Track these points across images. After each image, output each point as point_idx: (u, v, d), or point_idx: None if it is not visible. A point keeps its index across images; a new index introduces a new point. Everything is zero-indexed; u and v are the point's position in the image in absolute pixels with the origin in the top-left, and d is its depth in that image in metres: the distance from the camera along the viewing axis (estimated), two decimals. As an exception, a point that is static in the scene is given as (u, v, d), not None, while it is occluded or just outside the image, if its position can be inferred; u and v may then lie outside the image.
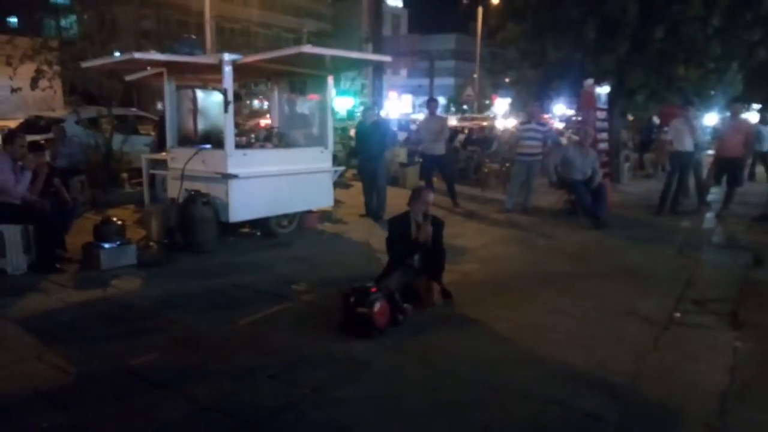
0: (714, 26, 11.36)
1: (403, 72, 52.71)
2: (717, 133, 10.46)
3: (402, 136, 16.88)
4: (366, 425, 3.08)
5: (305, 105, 8.32)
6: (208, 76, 7.73)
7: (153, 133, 11.27)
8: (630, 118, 16.31)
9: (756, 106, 24.69)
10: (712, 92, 12.99)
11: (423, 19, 62.07)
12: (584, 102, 11.95)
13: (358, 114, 20.38)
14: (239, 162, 6.76)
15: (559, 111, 30.76)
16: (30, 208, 5.82)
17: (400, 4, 60.97)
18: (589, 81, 11.64)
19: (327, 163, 7.90)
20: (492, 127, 18.60)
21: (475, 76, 37.78)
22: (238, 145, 6.91)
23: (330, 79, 7.98)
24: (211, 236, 6.63)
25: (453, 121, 20.16)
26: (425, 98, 13.66)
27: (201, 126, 7.39)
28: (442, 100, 36.16)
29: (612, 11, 11.46)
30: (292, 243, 7.16)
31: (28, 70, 10.23)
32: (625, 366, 3.79)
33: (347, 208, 9.30)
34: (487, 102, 45.99)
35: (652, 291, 5.39)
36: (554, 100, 17.66)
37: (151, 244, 6.70)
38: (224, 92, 6.65)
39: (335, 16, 51.74)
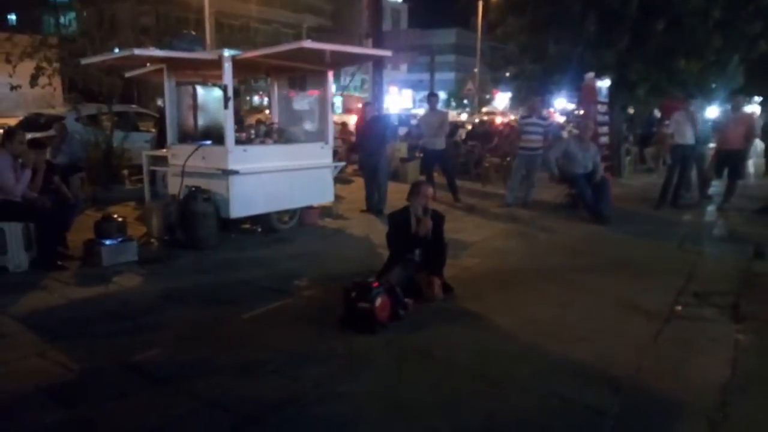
0: (715, 19, 11.33)
1: (404, 67, 52.48)
2: (718, 126, 10.43)
3: (403, 131, 16.88)
4: (368, 419, 3.09)
5: (305, 100, 8.31)
6: (208, 72, 7.73)
7: (153, 130, 11.28)
8: (630, 111, 16.25)
9: (757, 98, 24.62)
10: (713, 85, 12.95)
11: (423, 14, 61.87)
12: (585, 96, 11.95)
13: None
14: (240, 158, 6.75)
15: (560, 105, 30.72)
16: (31, 206, 5.83)
17: (400, -1, 60.84)
18: (590, 75, 11.64)
19: (327, 158, 7.90)
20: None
21: (476, 70, 37.71)
22: (238, 141, 6.91)
23: (330, 74, 7.97)
24: (211, 232, 6.64)
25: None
26: (426, 93, 13.60)
27: (201, 122, 7.38)
28: (442, 95, 36.13)
29: (612, 4, 11.41)
30: (293, 239, 7.16)
31: (27, 67, 10.21)
32: (627, 359, 3.80)
33: (348, 204, 9.30)
34: (488, 96, 45.91)
35: (653, 284, 5.39)
36: (555, 94, 17.64)
37: (152, 240, 6.73)
38: (224, 88, 6.64)
39: (335, 11, 51.57)
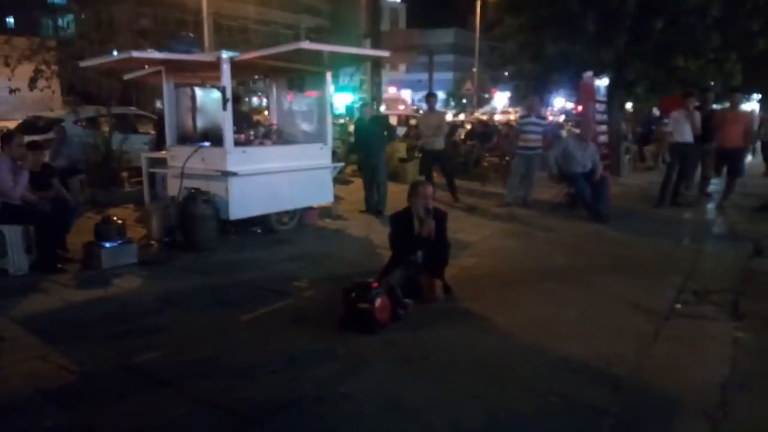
0: (713, 17, 11.34)
1: (402, 67, 52.66)
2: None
3: (401, 131, 16.87)
4: (368, 420, 3.09)
5: (304, 101, 8.31)
6: (207, 74, 7.72)
7: (152, 132, 11.27)
8: (629, 108, 16.28)
9: (756, 96, 24.64)
10: (712, 83, 12.97)
11: (421, 14, 61.76)
12: (583, 95, 11.97)
13: (356, 108, 20.35)
14: (239, 159, 6.76)
15: (559, 104, 30.74)
16: (30, 209, 5.83)
17: (398, -1, 60.83)
18: (589, 73, 11.65)
19: (326, 159, 7.90)
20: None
21: (474, 70, 37.75)
22: (237, 143, 6.91)
23: (328, 75, 7.97)
24: (211, 234, 6.64)
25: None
26: (424, 93, 13.61)
27: (200, 124, 7.38)
28: (441, 95, 36.12)
29: (610, 3, 11.42)
30: (293, 240, 7.17)
31: (26, 70, 10.23)
32: (627, 358, 3.80)
33: (347, 204, 9.30)
34: (487, 96, 45.95)
35: (652, 282, 5.40)
36: (553, 93, 17.65)
37: (152, 242, 6.72)
38: (223, 90, 6.64)
39: (333, 11, 51.56)
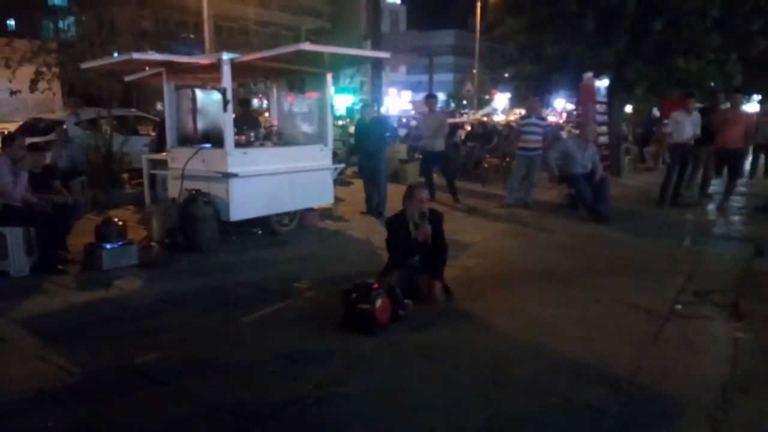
0: (713, 17, 11.34)
1: (402, 68, 52.66)
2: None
3: (402, 132, 16.90)
4: (368, 420, 3.09)
5: (304, 103, 8.32)
6: (207, 76, 7.74)
7: (153, 133, 11.29)
8: (629, 110, 16.27)
9: (756, 96, 24.65)
10: (712, 83, 12.96)
11: (421, 16, 61.88)
12: (584, 96, 11.97)
13: (357, 109, 20.38)
14: (239, 161, 6.77)
15: (560, 105, 30.74)
16: (31, 210, 5.84)
17: (399, 1, 60.87)
18: (589, 74, 11.65)
19: (327, 160, 7.91)
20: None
21: (475, 71, 37.73)
22: (237, 144, 6.92)
23: (329, 77, 7.98)
24: (212, 235, 6.65)
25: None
26: (425, 94, 13.64)
27: (201, 125, 7.39)
28: (441, 96, 36.13)
29: (610, 4, 11.43)
30: (293, 241, 7.17)
31: (27, 72, 10.24)
32: (627, 358, 3.81)
33: (348, 206, 9.31)
34: (487, 97, 45.95)
35: (652, 283, 5.40)
36: (554, 94, 17.65)
37: (153, 244, 6.73)
38: (223, 91, 6.66)
39: (333, 13, 51.63)
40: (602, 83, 12.12)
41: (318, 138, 7.97)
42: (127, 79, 8.49)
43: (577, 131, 9.78)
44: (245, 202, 6.85)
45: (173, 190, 7.24)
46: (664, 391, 3.40)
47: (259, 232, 7.41)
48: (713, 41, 11.58)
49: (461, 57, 57.68)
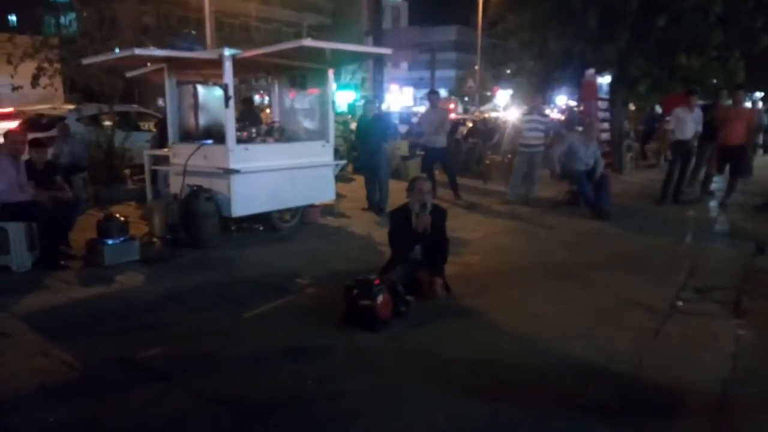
0: (716, 14, 11.31)
1: (404, 65, 52.52)
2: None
3: (403, 129, 16.87)
4: (369, 416, 3.10)
5: (306, 99, 8.32)
6: (209, 72, 7.73)
7: (154, 129, 11.29)
8: (632, 107, 16.24)
9: (759, 93, 24.58)
10: (715, 80, 12.94)
11: (423, 12, 61.59)
12: (586, 92, 11.96)
13: (359, 106, 20.35)
14: (241, 157, 6.77)
15: (562, 101, 30.68)
16: (33, 206, 5.84)
17: (400, -3, 60.73)
18: (591, 71, 11.63)
19: (328, 156, 7.91)
20: None
21: (477, 67, 37.64)
22: (239, 140, 6.92)
23: (330, 73, 7.98)
24: (213, 231, 6.65)
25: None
26: (426, 91, 13.61)
27: (202, 121, 7.39)
28: (443, 92, 36.03)
29: (613, 1, 11.40)
30: (295, 237, 7.18)
31: (28, 68, 10.25)
32: (628, 354, 3.81)
33: (349, 202, 9.30)
34: (489, 94, 45.83)
35: (654, 280, 5.40)
36: (556, 90, 17.59)
37: (154, 239, 6.74)
38: (225, 87, 6.65)
39: (335, 9, 51.44)
40: (604, 80, 12.10)
41: (319, 134, 7.97)
42: (129, 74, 8.49)
43: (579, 128, 9.75)
44: (247, 198, 6.85)
45: (175, 186, 7.24)
46: (666, 388, 3.40)
47: (261, 228, 7.41)
48: (716, 38, 11.55)
49: (463, 53, 57.48)
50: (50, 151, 7.33)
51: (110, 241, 5.92)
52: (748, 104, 14.39)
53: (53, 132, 9.85)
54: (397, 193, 8.22)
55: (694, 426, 3.07)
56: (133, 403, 3.24)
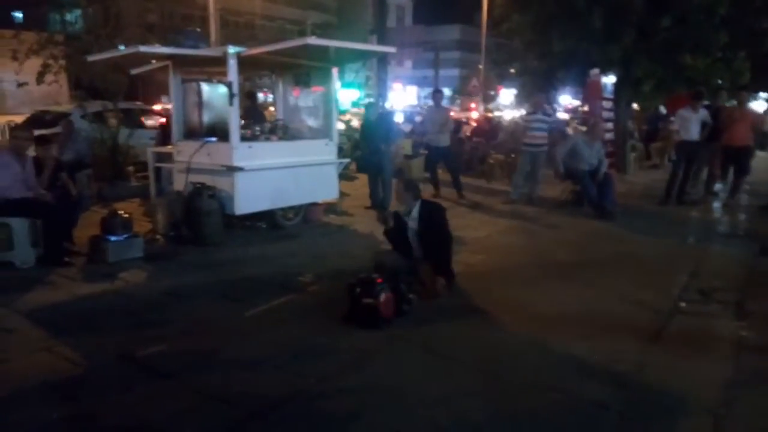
0: (721, 15, 11.27)
1: (408, 63, 52.55)
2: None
3: (407, 128, 16.84)
4: (371, 414, 3.10)
5: (310, 97, 8.32)
6: (213, 69, 7.74)
7: (159, 125, 11.29)
8: (636, 107, 16.20)
9: (763, 94, 24.46)
10: (720, 81, 12.90)
11: (427, 10, 61.51)
12: (590, 92, 11.92)
13: (362, 104, 20.35)
14: (245, 155, 6.78)
15: (566, 101, 30.63)
16: (37, 202, 5.86)
17: (405, -5, 60.65)
18: (595, 71, 11.59)
19: (332, 155, 7.91)
20: None
21: (480, 67, 37.57)
22: (243, 138, 6.93)
23: (335, 71, 7.98)
24: (216, 229, 6.66)
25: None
26: (430, 90, 13.62)
27: (206, 119, 7.40)
28: (447, 91, 36.02)
29: (618, 0, 11.37)
30: (298, 235, 7.18)
31: (33, 64, 10.27)
32: (630, 355, 3.81)
33: (352, 200, 9.30)
34: (492, 93, 45.78)
35: (657, 280, 5.39)
36: (560, 90, 17.55)
37: (158, 237, 6.75)
38: (229, 85, 6.66)
39: (339, 7, 51.47)
40: (609, 80, 12.07)
41: (323, 132, 7.97)
42: (134, 72, 8.50)
43: (583, 128, 9.74)
44: (250, 195, 6.86)
45: (179, 183, 7.25)
46: (668, 388, 3.39)
47: (264, 226, 7.42)
48: (721, 38, 11.51)
49: (467, 52, 57.38)
50: (54, 148, 7.35)
51: (114, 238, 5.92)
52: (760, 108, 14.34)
53: (57, 129, 9.86)
54: (400, 192, 8.22)
55: (696, 427, 3.07)
56: (135, 400, 3.25)
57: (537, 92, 11.78)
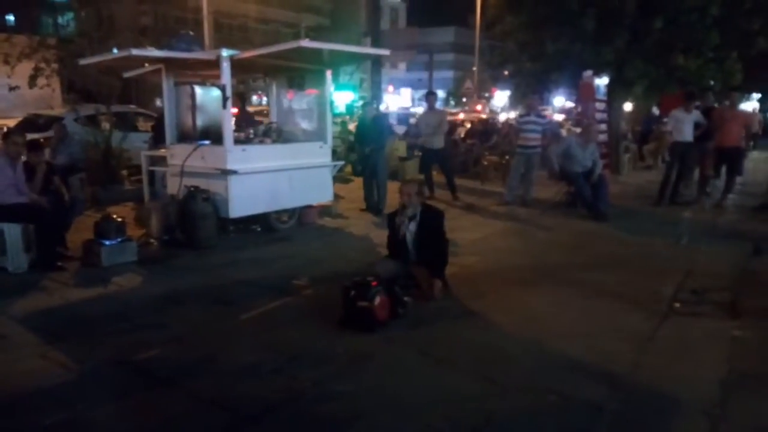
0: (713, 16, 11.33)
1: (402, 65, 52.58)
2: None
3: (401, 130, 16.84)
4: (367, 418, 3.09)
5: (304, 100, 8.31)
6: (207, 72, 7.73)
7: (154, 126, 11.26)
8: (629, 108, 16.27)
9: (756, 95, 24.62)
10: (712, 82, 12.96)
11: (421, 13, 61.50)
12: (583, 94, 11.96)
13: (357, 108, 20.34)
14: (238, 158, 6.77)
15: (559, 103, 30.72)
16: (30, 207, 5.83)
17: (398, -2, 60.74)
18: (588, 72, 11.63)
19: (326, 157, 7.91)
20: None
21: (474, 69, 37.64)
22: (237, 141, 6.92)
23: (329, 74, 7.98)
24: (210, 232, 6.64)
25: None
26: (424, 92, 13.63)
27: (200, 122, 7.39)
28: (441, 94, 36.06)
29: (610, 2, 11.42)
30: (292, 238, 7.17)
31: (26, 68, 10.22)
32: (625, 355, 3.81)
33: (347, 203, 9.30)
34: (486, 95, 45.85)
35: (651, 281, 5.41)
36: (553, 92, 17.62)
37: (152, 240, 6.73)
38: (223, 88, 6.65)
39: (333, 10, 51.43)
40: (602, 81, 12.11)
41: (317, 135, 7.97)
42: (127, 75, 8.48)
43: (577, 129, 9.77)
44: (244, 199, 6.85)
45: (172, 186, 7.24)
46: (662, 389, 3.40)
47: (258, 229, 7.41)
48: (713, 39, 11.58)
49: (461, 54, 57.45)
50: (47, 152, 7.32)
51: (107, 242, 5.90)
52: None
53: (50, 132, 9.81)
54: (395, 194, 8.22)
55: (690, 427, 3.07)
56: (129, 406, 3.23)
57: (531, 94, 11.80)
